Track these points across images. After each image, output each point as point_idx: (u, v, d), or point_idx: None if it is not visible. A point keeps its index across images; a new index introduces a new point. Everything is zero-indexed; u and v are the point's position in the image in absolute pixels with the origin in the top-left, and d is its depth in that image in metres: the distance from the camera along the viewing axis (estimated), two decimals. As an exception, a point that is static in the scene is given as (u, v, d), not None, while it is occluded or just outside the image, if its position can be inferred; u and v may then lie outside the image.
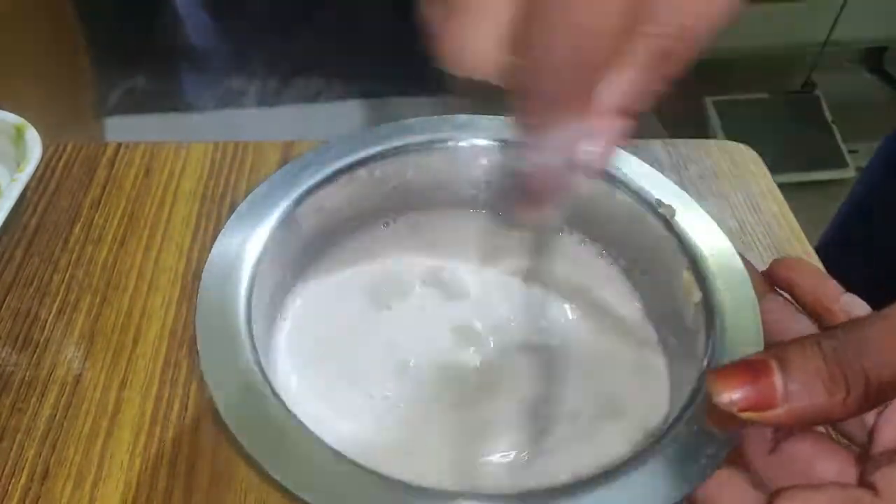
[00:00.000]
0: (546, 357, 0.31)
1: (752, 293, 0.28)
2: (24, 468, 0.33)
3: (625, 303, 0.33)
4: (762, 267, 0.31)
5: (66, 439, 0.34)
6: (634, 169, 0.33)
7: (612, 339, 0.32)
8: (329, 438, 0.24)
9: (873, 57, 1.78)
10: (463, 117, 0.34)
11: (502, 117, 0.34)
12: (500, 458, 0.28)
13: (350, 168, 0.32)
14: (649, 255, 0.32)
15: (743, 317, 0.28)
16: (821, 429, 0.26)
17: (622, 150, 0.33)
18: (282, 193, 0.31)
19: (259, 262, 0.29)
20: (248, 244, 0.29)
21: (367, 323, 0.32)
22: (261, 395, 0.24)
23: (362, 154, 0.33)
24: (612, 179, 0.32)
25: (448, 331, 0.32)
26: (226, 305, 0.27)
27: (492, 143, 0.34)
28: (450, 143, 0.34)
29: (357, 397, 0.30)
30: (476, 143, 0.34)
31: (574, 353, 0.31)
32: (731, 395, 0.21)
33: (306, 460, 0.23)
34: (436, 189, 0.35)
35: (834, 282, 0.28)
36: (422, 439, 0.29)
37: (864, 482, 0.22)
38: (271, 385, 0.25)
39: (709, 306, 0.28)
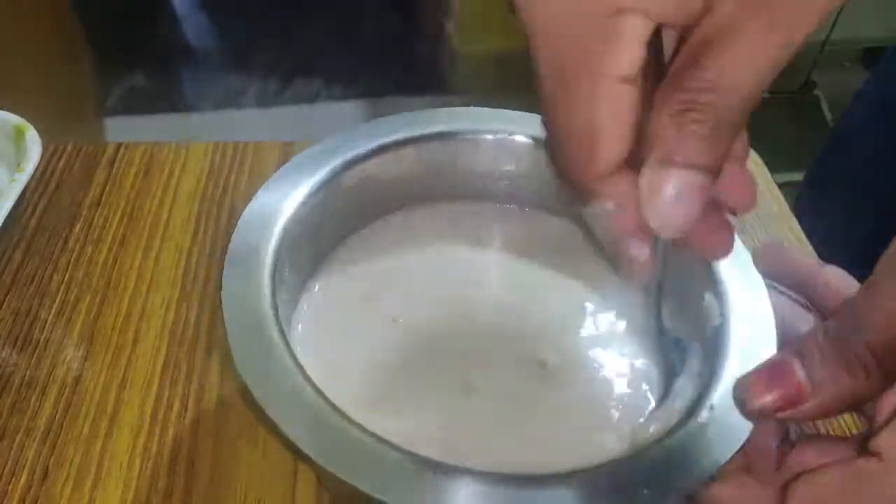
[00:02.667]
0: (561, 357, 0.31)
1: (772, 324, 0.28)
2: (24, 468, 0.33)
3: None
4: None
5: (66, 439, 0.34)
6: None
7: (615, 337, 0.32)
8: (361, 420, 0.24)
9: (873, 57, 1.78)
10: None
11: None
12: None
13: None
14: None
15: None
16: (822, 431, 0.26)
17: None
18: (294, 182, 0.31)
19: (279, 247, 0.29)
20: (269, 229, 0.29)
21: (386, 311, 0.32)
22: (292, 373, 0.25)
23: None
24: None
25: (473, 316, 0.32)
26: (251, 291, 0.27)
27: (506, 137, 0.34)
28: (469, 136, 0.34)
29: (375, 383, 0.30)
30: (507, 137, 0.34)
31: (582, 353, 0.31)
32: (762, 401, 0.22)
33: (342, 442, 0.23)
34: (443, 181, 0.35)
35: (809, 259, 0.29)
36: (455, 423, 0.28)
37: (866, 451, 0.22)
38: (301, 368, 0.25)
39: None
